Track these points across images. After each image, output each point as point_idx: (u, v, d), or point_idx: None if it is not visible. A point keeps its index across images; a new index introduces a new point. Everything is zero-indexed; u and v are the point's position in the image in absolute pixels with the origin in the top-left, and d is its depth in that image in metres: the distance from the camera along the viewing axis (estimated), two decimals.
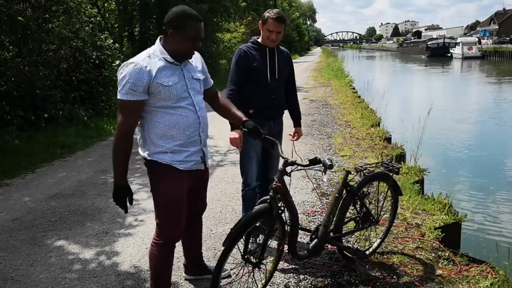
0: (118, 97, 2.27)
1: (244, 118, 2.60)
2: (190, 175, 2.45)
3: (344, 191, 2.86)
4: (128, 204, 2.38)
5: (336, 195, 2.83)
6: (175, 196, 2.41)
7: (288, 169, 2.49)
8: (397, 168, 3.12)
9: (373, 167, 3.06)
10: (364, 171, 2.95)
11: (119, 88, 2.26)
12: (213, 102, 2.68)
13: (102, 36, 10.81)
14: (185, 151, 2.38)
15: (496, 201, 6.56)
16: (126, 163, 2.32)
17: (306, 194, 4.62)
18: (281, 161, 2.51)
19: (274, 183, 2.49)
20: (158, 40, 2.40)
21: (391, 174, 3.07)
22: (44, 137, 7.62)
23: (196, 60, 2.51)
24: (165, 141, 2.34)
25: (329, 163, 2.40)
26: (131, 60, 2.31)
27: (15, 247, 3.60)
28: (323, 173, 2.47)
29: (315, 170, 2.50)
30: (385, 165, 3.10)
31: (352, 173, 2.95)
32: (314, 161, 2.43)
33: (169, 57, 2.32)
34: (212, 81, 2.67)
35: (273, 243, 3.11)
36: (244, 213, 3.34)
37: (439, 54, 53.58)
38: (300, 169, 2.48)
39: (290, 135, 3.48)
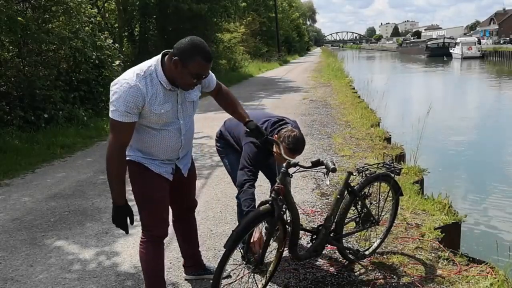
0: (112, 116, 2.15)
1: (247, 119, 2.62)
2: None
3: (346, 192, 2.85)
4: (129, 224, 2.31)
5: (338, 196, 2.82)
6: (154, 193, 2.38)
7: (291, 170, 2.49)
8: (399, 169, 3.09)
9: (375, 168, 3.04)
10: (366, 172, 2.94)
11: (112, 108, 2.15)
12: (218, 97, 2.64)
13: (102, 36, 10.78)
14: (158, 160, 2.38)
15: (496, 201, 6.56)
16: (123, 180, 2.22)
17: (306, 194, 4.61)
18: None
19: (276, 184, 2.48)
20: (160, 56, 2.25)
21: (392, 175, 3.06)
22: (44, 137, 7.62)
23: None
24: (142, 151, 2.35)
25: (331, 166, 2.35)
26: (126, 77, 2.18)
27: (15, 247, 3.60)
28: (325, 176, 2.43)
29: (317, 172, 2.48)
30: (386, 166, 3.08)
31: (354, 174, 2.94)
32: (316, 163, 2.40)
33: (166, 82, 2.22)
34: (216, 80, 2.57)
35: (273, 244, 3.10)
36: (238, 216, 3.21)
37: (439, 54, 53.40)
38: (302, 171, 2.48)
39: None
